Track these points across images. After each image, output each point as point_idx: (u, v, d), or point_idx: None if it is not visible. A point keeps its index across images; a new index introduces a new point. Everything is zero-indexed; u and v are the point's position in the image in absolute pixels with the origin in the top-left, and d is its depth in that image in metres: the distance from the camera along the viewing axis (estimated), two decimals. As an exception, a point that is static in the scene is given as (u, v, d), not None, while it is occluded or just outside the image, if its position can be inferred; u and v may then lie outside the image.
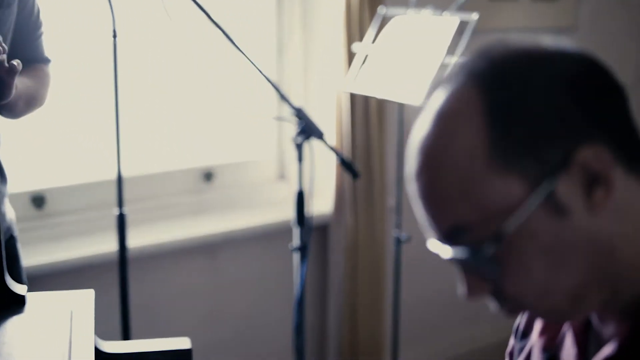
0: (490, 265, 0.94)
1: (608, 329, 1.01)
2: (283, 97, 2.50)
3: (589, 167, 0.92)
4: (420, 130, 0.97)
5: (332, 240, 2.99)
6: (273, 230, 2.86)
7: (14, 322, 1.59)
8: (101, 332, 1.77)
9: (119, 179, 2.29)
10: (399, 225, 2.86)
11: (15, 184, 2.48)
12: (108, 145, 2.46)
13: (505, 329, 1.92)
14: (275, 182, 2.96)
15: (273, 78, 2.63)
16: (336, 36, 2.83)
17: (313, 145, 2.63)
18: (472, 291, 0.97)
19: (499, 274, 0.94)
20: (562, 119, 0.92)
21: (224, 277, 2.80)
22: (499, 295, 0.97)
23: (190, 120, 2.82)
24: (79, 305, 1.67)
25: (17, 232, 1.97)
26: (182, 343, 1.77)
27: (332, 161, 2.85)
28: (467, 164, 0.92)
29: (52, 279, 2.39)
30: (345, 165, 2.63)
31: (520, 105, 0.92)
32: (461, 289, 0.98)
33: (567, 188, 0.92)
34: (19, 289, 1.66)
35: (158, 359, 1.77)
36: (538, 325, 1.16)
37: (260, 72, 2.31)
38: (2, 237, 1.59)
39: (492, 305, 0.99)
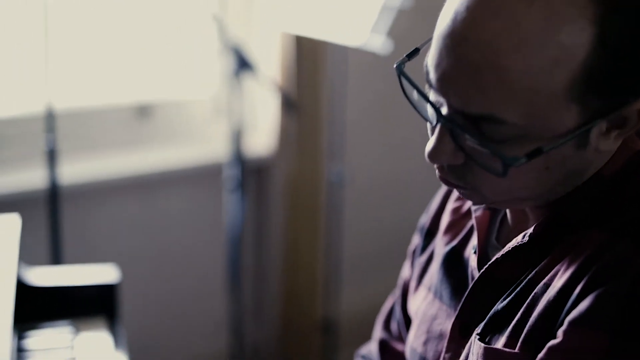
0: (493, 165, 0.94)
1: (524, 222, 1.09)
2: (222, 30, 2.52)
3: (629, 121, 0.96)
4: None
5: (270, 182, 3.04)
6: (209, 168, 2.92)
7: None
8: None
9: (49, 113, 2.31)
10: (338, 167, 2.90)
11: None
12: (39, 77, 2.46)
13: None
14: (213, 120, 2.98)
15: (214, 10, 2.63)
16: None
17: (252, 82, 2.66)
18: (440, 155, 0.97)
19: (495, 172, 0.95)
20: None
21: (157, 215, 2.87)
22: (460, 173, 0.99)
23: (127, 55, 2.82)
24: (3, 231, 1.69)
25: None
26: (109, 275, 1.81)
27: (273, 100, 2.88)
28: (552, 71, 0.91)
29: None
30: (286, 101, 2.67)
31: (631, 41, 0.92)
32: (430, 147, 0.97)
33: (600, 129, 0.97)
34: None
35: (84, 293, 1.80)
36: (444, 223, 1.23)
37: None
38: None
39: (441, 172, 1.01)
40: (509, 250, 1.05)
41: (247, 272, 3.05)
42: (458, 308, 1.10)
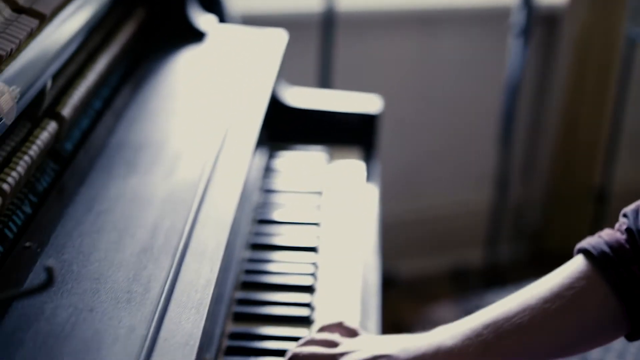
0: None
1: None
2: None
3: None
4: None
5: (560, 33, 2.79)
6: (495, 11, 2.71)
7: (192, 52, 1.54)
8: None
9: None
10: (636, 24, 2.57)
11: None
12: None
13: None
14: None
15: None
16: None
17: None
18: None
19: None
20: None
21: (434, 53, 2.71)
22: None
23: None
24: (268, 44, 1.59)
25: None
26: (371, 105, 1.67)
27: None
28: None
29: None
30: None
31: None
32: None
33: None
34: (203, 19, 1.60)
35: (343, 120, 1.68)
36: None
37: None
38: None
39: None
40: None
41: (521, 126, 2.85)
42: None
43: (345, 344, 1.02)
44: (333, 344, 1.02)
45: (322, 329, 1.10)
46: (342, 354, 0.99)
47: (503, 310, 0.98)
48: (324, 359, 0.99)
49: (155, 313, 0.87)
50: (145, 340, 0.83)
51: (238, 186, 1.14)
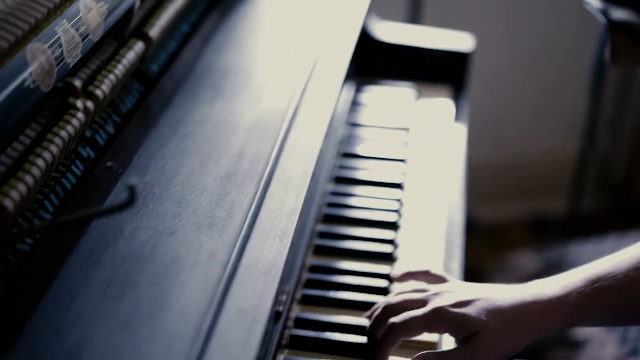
0: None
1: None
2: None
3: None
4: None
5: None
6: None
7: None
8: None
9: None
10: None
11: None
12: None
13: None
14: None
15: None
16: None
17: None
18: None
19: None
20: None
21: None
22: None
23: None
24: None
25: None
26: (463, 43, 1.60)
27: None
28: None
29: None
30: None
31: None
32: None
33: None
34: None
35: (433, 57, 1.61)
36: None
37: None
38: None
39: None
40: None
41: (614, 75, 2.73)
42: None
43: (435, 287, 0.98)
44: (423, 292, 0.98)
45: (408, 275, 1.06)
46: (436, 294, 0.96)
47: (601, 268, 0.98)
48: (417, 302, 0.95)
49: (237, 240, 0.83)
50: (226, 266, 0.79)
51: (326, 116, 1.09)
